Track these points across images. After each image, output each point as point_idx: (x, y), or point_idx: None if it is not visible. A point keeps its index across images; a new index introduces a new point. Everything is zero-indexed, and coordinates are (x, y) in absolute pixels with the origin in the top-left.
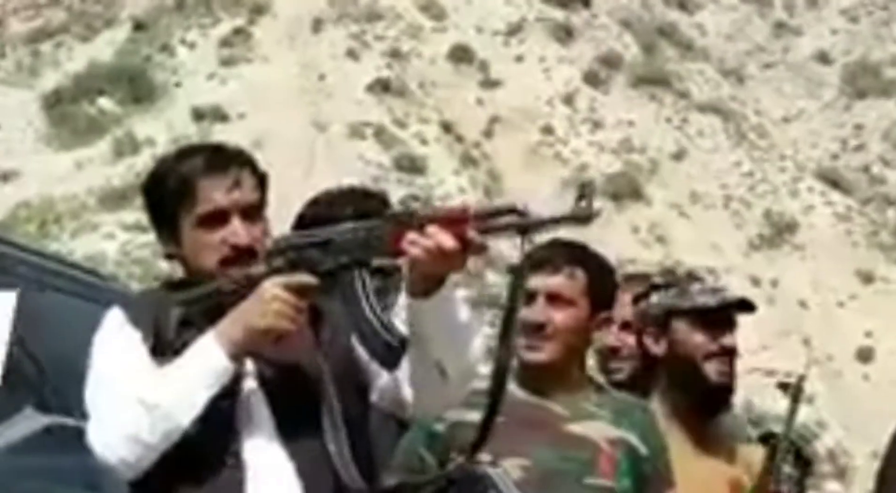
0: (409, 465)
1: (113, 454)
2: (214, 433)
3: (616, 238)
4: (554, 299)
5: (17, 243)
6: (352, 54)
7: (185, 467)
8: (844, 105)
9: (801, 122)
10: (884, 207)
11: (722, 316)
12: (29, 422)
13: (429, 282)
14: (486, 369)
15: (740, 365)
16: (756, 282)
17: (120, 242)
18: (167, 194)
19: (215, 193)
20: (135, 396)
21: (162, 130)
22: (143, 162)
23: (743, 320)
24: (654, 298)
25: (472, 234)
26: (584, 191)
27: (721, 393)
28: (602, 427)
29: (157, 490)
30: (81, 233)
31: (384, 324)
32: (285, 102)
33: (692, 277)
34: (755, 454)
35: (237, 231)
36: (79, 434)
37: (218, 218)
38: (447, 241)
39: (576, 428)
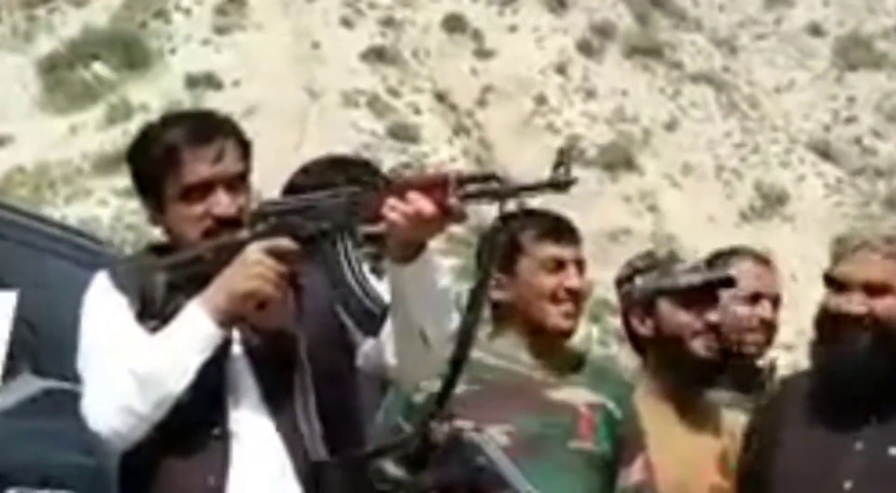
0: (389, 433)
1: (106, 425)
2: (202, 402)
3: (608, 208)
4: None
5: (12, 207)
6: (346, 22)
7: (173, 436)
8: (836, 77)
9: (793, 93)
10: (874, 178)
11: (706, 294)
12: (26, 386)
13: (409, 248)
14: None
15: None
16: None
17: (113, 208)
18: (151, 164)
19: (200, 164)
20: (125, 366)
21: (156, 97)
22: (136, 128)
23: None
24: (638, 280)
25: (451, 200)
26: (563, 158)
27: (710, 369)
28: (581, 393)
29: (146, 460)
30: (75, 198)
31: (365, 290)
32: (279, 69)
33: (674, 257)
34: (738, 422)
35: (221, 202)
36: (75, 398)
37: (202, 189)
38: (427, 206)
39: (555, 394)
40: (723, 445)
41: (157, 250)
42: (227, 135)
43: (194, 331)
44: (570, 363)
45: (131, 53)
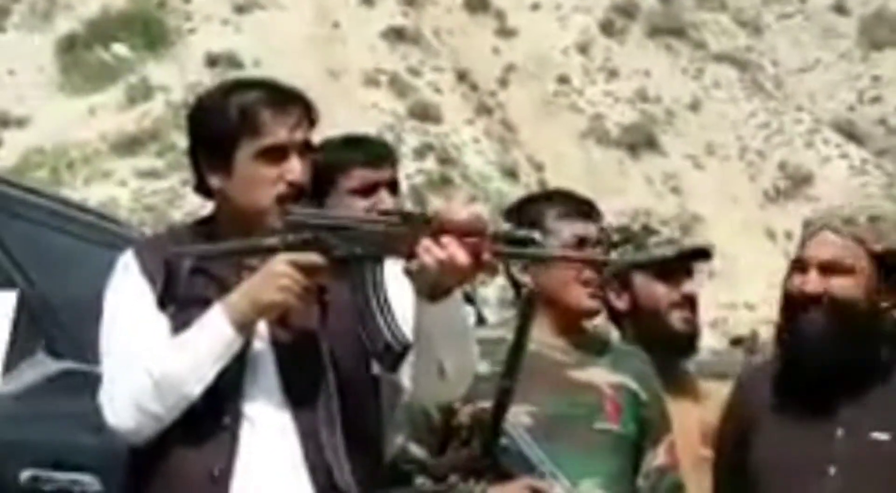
0: (414, 420)
1: (121, 422)
2: (217, 390)
3: (631, 189)
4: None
5: (31, 188)
6: (366, 1)
7: (183, 422)
8: (861, 56)
9: (818, 73)
10: None
11: (680, 266)
12: (41, 367)
13: (437, 289)
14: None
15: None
16: (771, 234)
17: (132, 189)
18: (227, 123)
19: (280, 128)
20: (144, 366)
21: (175, 77)
22: (156, 108)
23: (756, 273)
24: (614, 254)
25: (486, 256)
26: (602, 236)
27: (687, 340)
28: (602, 373)
29: (154, 444)
30: (94, 179)
31: (388, 324)
32: (299, 49)
33: (648, 230)
34: (721, 391)
35: (294, 168)
36: (91, 380)
37: (278, 153)
38: (461, 256)
39: (579, 375)
40: (705, 416)
41: (200, 225)
42: (303, 103)
43: (214, 336)
44: (595, 347)
45: (150, 33)
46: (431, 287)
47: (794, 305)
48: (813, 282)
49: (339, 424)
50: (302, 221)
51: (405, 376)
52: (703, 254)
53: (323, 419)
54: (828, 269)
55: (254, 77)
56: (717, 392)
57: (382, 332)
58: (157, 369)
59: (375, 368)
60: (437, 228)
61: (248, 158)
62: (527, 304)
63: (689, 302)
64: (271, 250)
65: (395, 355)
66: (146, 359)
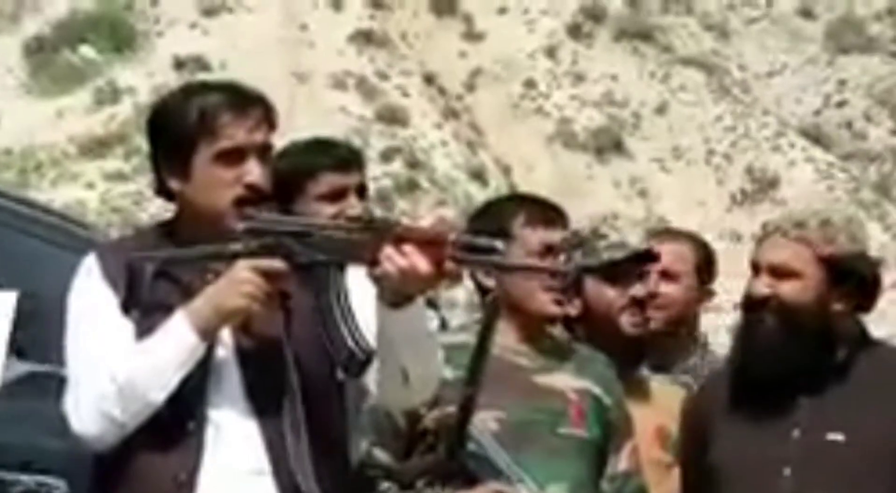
0: (378, 425)
1: (85, 428)
2: (182, 395)
3: (598, 192)
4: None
5: None
6: (334, 4)
7: (148, 427)
8: (828, 60)
9: (785, 77)
10: (865, 163)
11: (629, 269)
12: (8, 369)
13: (399, 297)
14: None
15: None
16: (737, 237)
17: (100, 191)
18: (185, 126)
19: (238, 130)
20: (108, 374)
21: (143, 79)
22: (123, 111)
23: (723, 276)
24: (563, 258)
25: (449, 265)
26: (565, 245)
27: (638, 344)
28: (566, 378)
29: (119, 449)
30: (61, 181)
31: (353, 334)
32: (266, 51)
33: (597, 234)
34: (672, 393)
35: (253, 171)
36: (57, 381)
37: (235, 155)
38: (422, 264)
39: (543, 380)
40: (659, 419)
41: (164, 225)
42: (262, 105)
43: (178, 343)
44: (559, 352)
45: (118, 36)
46: (394, 294)
47: (744, 307)
48: (762, 284)
49: (304, 429)
50: (265, 228)
51: (371, 380)
52: (651, 257)
53: (288, 425)
54: (777, 272)
55: (216, 80)
56: (669, 394)
57: (346, 340)
58: (121, 375)
59: (340, 374)
60: (399, 235)
61: (206, 161)
62: (490, 310)
63: (640, 305)
64: (234, 256)
65: (359, 362)
66: (110, 365)
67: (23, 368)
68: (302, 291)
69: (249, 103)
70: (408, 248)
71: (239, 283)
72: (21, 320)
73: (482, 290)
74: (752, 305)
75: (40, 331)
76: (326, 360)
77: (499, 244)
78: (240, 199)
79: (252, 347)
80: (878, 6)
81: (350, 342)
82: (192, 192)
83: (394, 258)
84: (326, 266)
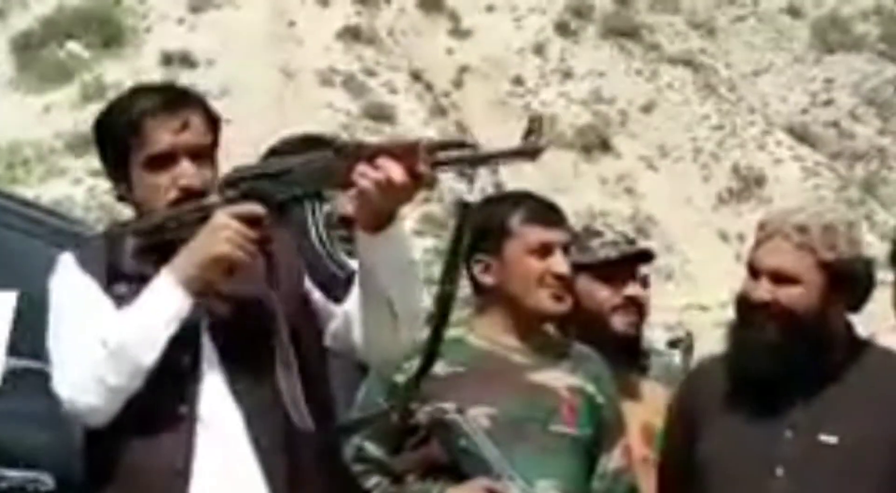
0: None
1: (80, 399)
2: (168, 380)
3: (585, 190)
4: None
5: None
6: (321, 1)
7: (137, 415)
8: (814, 59)
9: (771, 75)
10: (852, 162)
11: (624, 268)
12: None
13: (379, 216)
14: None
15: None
16: (724, 236)
17: (87, 187)
18: (117, 135)
19: (164, 133)
20: (96, 339)
21: (130, 75)
22: None
23: (712, 275)
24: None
25: (422, 167)
26: (533, 126)
27: (630, 344)
28: (560, 376)
29: (110, 439)
30: (49, 177)
31: (332, 256)
32: (254, 48)
33: (591, 232)
34: (660, 391)
35: (186, 172)
36: (47, 378)
37: (166, 159)
38: (397, 173)
39: (536, 377)
40: (646, 416)
41: (122, 226)
42: (192, 106)
43: (163, 301)
44: (554, 350)
45: (106, 32)
46: (374, 216)
47: (745, 309)
48: (762, 290)
49: (295, 369)
50: (239, 176)
51: (356, 331)
52: (646, 256)
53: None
54: (778, 277)
55: (150, 84)
56: (660, 394)
57: (325, 262)
58: (111, 339)
59: (327, 339)
60: (371, 153)
61: (140, 169)
62: (463, 211)
63: (634, 304)
64: (211, 209)
65: (339, 282)
66: (99, 332)
67: (12, 364)
68: (284, 234)
69: (174, 105)
70: (381, 161)
71: (218, 229)
72: (13, 316)
73: (478, 287)
74: (750, 309)
75: (32, 327)
76: (311, 316)
77: (468, 139)
78: (174, 202)
79: (232, 323)
80: (865, 5)
81: (329, 264)
82: (135, 198)
83: (368, 173)
84: (304, 199)
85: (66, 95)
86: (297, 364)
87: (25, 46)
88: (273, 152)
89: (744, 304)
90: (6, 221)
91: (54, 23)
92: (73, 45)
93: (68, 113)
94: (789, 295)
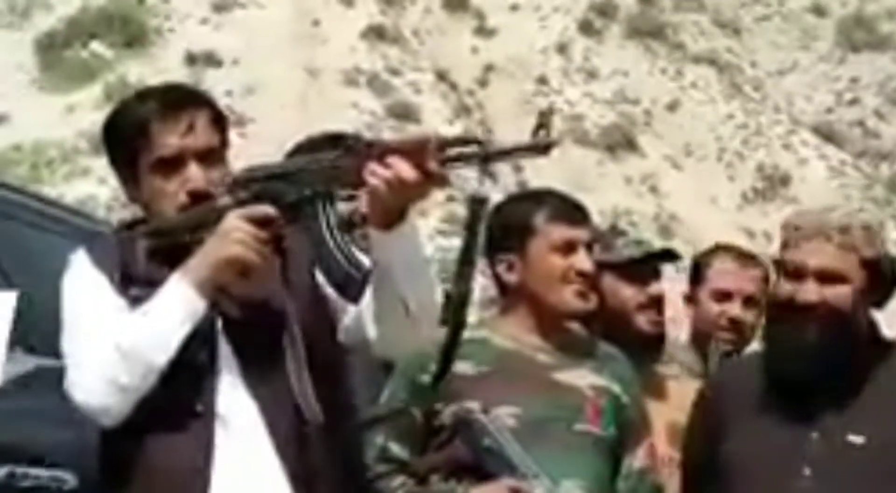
0: (396, 419)
1: (93, 400)
2: (185, 378)
3: (610, 189)
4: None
5: (8, 185)
6: (346, 1)
7: (155, 413)
8: (839, 58)
9: (796, 74)
10: (877, 161)
11: (647, 267)
12: (18, 364)
13: (391, 214)
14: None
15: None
16: (750, 235)
17: (111, 187)
18: (124, 139)
19: (170, 137)
20: (109, 340)
21: (154, 75)
22: None
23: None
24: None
25: (432, 164)
26: (544, 120)
27: (654, 342)
28: (585, 375)
29: (127, 439)
30: (73, 177)
31: (346, 256)
32: (278, 47)
33: (616, 231)
34: (686, 389)
35: (192, 177)
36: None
37: (173, 163)
38: (407, 171)
39: (561, 376)
40: (671, 415)
41: (131, 225)
42: (198, 107)
43: (177, 302)
44: (579, 349)
45: (129, 31)
46: (386, 213)
47: (785, 310)
48: (810, 291)
49: (305, 365)
50: (249, 177)
51: (369, 325)
52: (671, 255)
53: (295, 384)
54: (824, 277)
55: (157, 86)
56: (687, 392)
57: (341, 263)
58: (124, 340)
59: (341, 334)
60: (381, 151)
61: (147, 173)
62: (476, 206)
63: (657, 303)
64: (224, 211)
65: (355, 282)
66: (112, 332)
67: (32, 362)
68: (296, 236)
69: (180, 107)
70: (391, 159)
71: (230, 232)
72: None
73: (502, 287)
74: (793, 310)
75: (49, 326)
76: (324, 312)
77: (479, 136)
78: (183, 206)
79: (245, 322)
80: (891, 4)
81: (345, 264)
82: (144, 202)
83: (378, 172)
84: (315, 199)
85: (90, 94)
86: (308, 359)
87: (49, 47)
88: (297, 150)
89: (783, 305)
90: (30, 219)
91: (78, 23)
92: (96, 46)
93: (92, 113)
94: (837, 295)
